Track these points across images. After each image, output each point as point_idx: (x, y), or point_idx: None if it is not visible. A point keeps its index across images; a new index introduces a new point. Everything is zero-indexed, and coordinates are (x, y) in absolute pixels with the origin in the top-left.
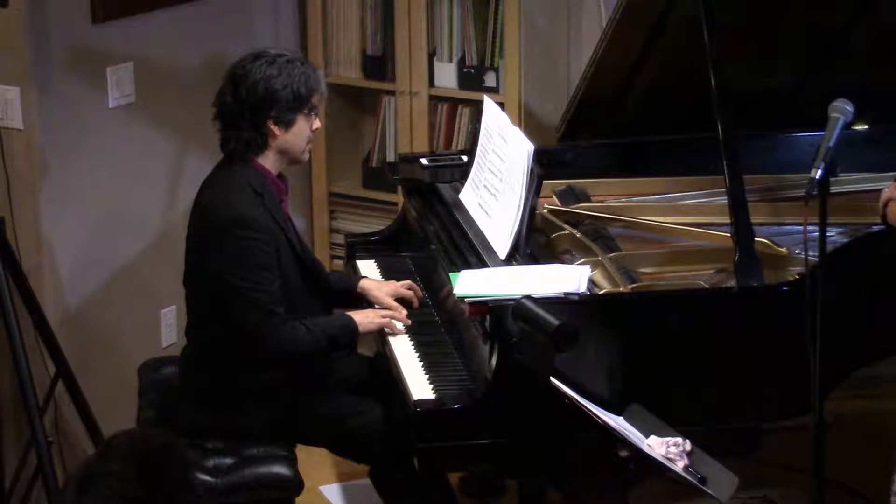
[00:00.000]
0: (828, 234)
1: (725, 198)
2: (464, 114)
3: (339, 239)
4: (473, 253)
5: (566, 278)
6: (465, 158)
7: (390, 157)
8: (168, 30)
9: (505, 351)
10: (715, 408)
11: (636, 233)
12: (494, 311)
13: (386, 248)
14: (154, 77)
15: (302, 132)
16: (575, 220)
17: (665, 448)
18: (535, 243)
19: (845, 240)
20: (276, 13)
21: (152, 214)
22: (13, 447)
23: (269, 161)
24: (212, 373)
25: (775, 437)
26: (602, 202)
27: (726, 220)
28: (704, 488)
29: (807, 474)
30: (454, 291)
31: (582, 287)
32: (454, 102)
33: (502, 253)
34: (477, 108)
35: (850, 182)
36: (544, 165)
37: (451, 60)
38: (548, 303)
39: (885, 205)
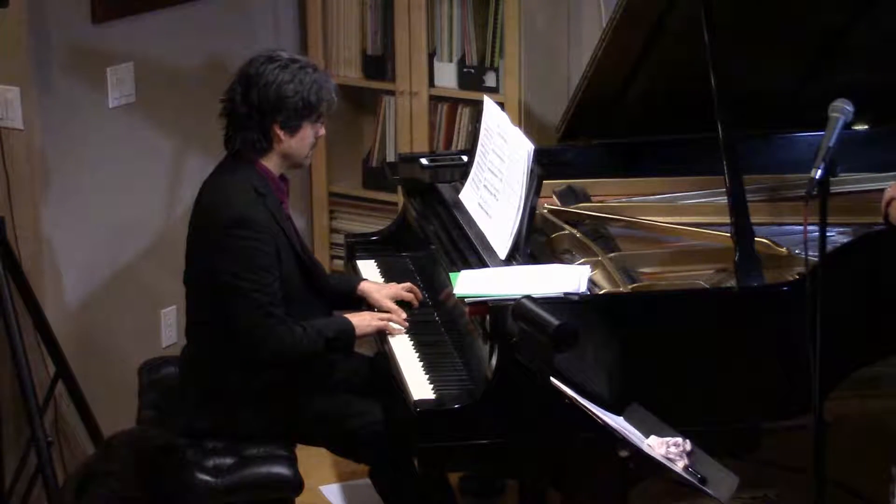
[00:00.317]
0: (828, 234)
1: (725, 198)
2: (464, 114)
3: (339, 239)
4: (473, 253)
5: (566, 278)
6: (465, 158)
7: (390, 157)
8: (168, 30)
9: (505, 351)
10: (715, 408)
11: (636, 233)
12: (494, 311)
13: (386, 248)
14: (154, 77)
15: (306, 138)
16: (575, 220)
17: (665, 448)
18: (535, 243)
19: (845, 240)
20: (276, 13)
21: (152, 214)
22: (13, 447)
23: (271, 163)
24: (212, 373)
25: (775, 437)
26: (602, 202)
27: (726, 220)
28: (704, 488)
29: (807, 474)
30: (454, 291)
31: (582, 287)
32: (454, 102)
33: (502, 253)
34: (477, 108)
35: (850, 182)
36: (544, 165)
37: (451, 60)
38: (548, 303)
39: (888, 204)
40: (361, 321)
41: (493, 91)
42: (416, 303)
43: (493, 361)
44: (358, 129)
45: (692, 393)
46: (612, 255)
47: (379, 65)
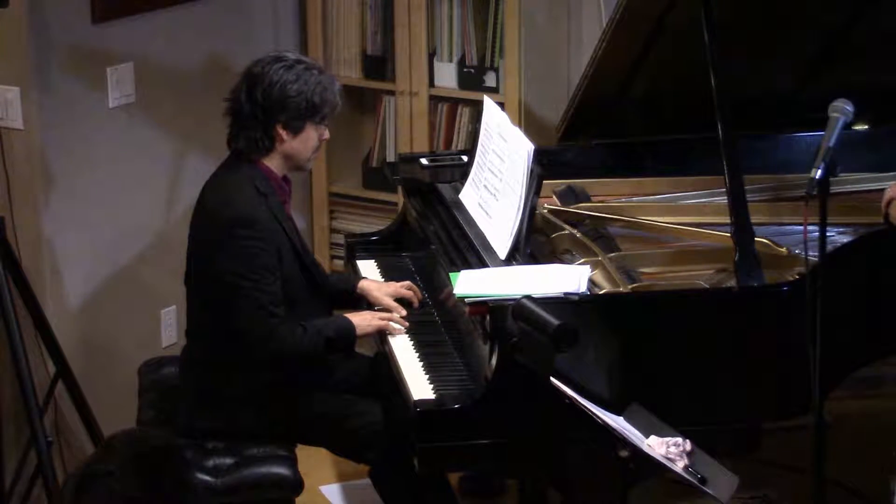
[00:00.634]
0: (828, 234)
1: (725, 198)
2: (464, 114)
3: (339, 239)
4: (473, 253)
5: (566, 278)
6: (465, 158)
7: (390, 157)
8: (168, 30)
9: (505, 351)
10: (715, 408)
11: (636, 233)
12: (494, 311)
13: (386, 248)
14: (154, 77)
15: (309, 140)
16: (575, 220)
17: (665, 448)
18: (535, 243)
19: (845, 240)
20: (276, 13)
21: (152, 214)
22: (13, 447)
23: (274, 163)
24: (212, 373)
25: (775, 437)
26: (602, 202)
27: (726, 220)
28: (704, 488)
29: (807, 474)
30: (454, 291)
31: (582, 287)
32: (454, 102)
33: (502, 253)
34: (477, 108)
35: (850, 182)
36: (544, 165)
37: (451, 60)
38: (548, 303)
39: (888, 204)
40: (362, 321)
41: (493, 91)
42: (415, 301)
43: (493, 361)
44: (358, 129)
45: (692, 393)
46: (612, 255)
47: (379, 65)
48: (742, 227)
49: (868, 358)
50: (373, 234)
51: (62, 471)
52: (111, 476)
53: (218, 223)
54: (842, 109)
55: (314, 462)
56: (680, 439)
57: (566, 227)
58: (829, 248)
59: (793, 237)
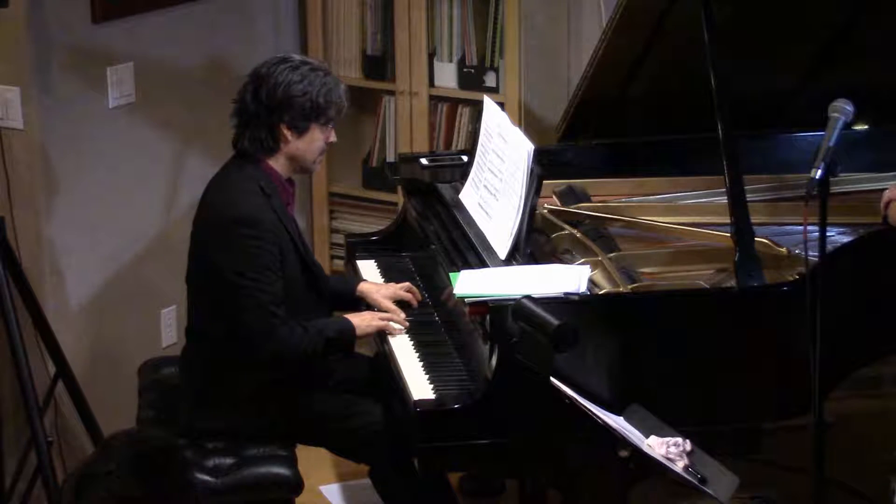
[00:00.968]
0: (828, 234)
1: (725, 198)
2: (464, 114)
3: (339, 239)
4: (473, 253)
5: (566, 278)
6: (465, 158)
7: (390, 157)
8: (168, 30)
9: (505, 351)
10: (715, 408)
11: (636, 233)
12: (494, 311)
13: (386, 248)
14: (154, 77)
15: (314, 141)
16: (575, 220)
17: (665, 448)
18: (535, 243)
19: (845, 240)
20: (276, 13)
21: (152, 214)
22: (13, 447)
23: (278, 164)
24: (212, 373)
25: (775, 437)
26: (602, 202)
27: (726, 220)
28: (704, 488)
29: (807, 474)
30: (454, 291)
31: (582, 287)
32: (454, 102)
33: (502, 253)
34: (477, 108)
35: (850, 182)
36: (544, 165)
37: (451, 60)
38: (548, 303)
39: (887, 205)
40: (362, 321)
41: (493, 91)
42: (414, 303)
43: (493, 361)
44: (358, 129)
45: (692, 393)
46: (612, 255)
47: (379, 65)
48: (742, 227)
49: (868, 358)
50: (373, 234)
51: (62, 471)
52: (111, 476)
53: (221, 222)
54: (842, 109)
55: (314, 462)
56: (680, 439)
57: (566, 227)
58: (829, 248)
59: (793, 237)
